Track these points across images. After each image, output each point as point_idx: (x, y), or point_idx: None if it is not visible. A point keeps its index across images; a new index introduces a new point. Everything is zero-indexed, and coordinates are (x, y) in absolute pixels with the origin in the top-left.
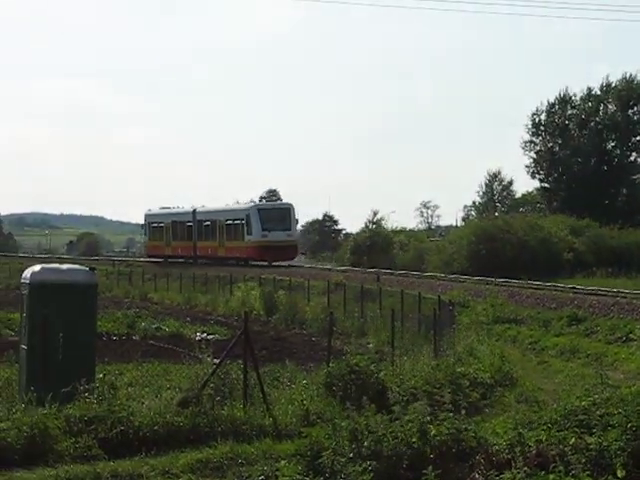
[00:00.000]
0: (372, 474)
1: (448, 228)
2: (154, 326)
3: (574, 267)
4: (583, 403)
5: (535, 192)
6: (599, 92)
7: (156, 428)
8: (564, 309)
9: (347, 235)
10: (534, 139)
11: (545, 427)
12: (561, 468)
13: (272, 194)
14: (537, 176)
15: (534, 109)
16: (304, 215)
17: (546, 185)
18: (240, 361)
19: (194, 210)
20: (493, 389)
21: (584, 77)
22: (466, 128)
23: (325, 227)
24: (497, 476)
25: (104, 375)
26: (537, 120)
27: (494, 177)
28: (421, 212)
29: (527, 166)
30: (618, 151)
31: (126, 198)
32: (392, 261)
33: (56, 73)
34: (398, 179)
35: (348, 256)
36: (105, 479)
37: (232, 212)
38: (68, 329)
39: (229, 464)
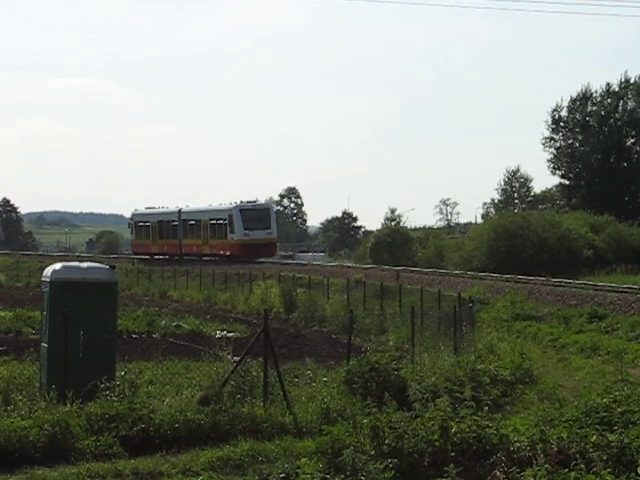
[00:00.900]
0: (393, 472)
1: (467, 225)
2: (174, 324)
3: (594, 264)
4: (604, 400)
5: (554, 189)
6: (617, 89)
7: (177, 426)
8: (584, 306)
9: (366, 233)
10: (554, 135)
11: (566, 424)
12: (582, 466)
13: (291, 192)
14: (557, 172)
15: (554, 105)
16: (323, 213)
17: (566, 182)
18: (260, 359)
19: (179, 210)
20: (513, 386)
21: (605, 73)
22: (485, 125)
23: (344, 225)
24: (518, 473)
25: (125, 373)
26: (557, 116)
27: (513, 174)
28: (440, 209)
29: (549, 160)
30: (638, 147)
31: (145, 196)
32: (412, 258)
33: (74, 71)
34: (417, 176)
35: (367, 254)
36: (126, 477)
37: (216, 212)
38: (89, 327)
39: (250, 462)
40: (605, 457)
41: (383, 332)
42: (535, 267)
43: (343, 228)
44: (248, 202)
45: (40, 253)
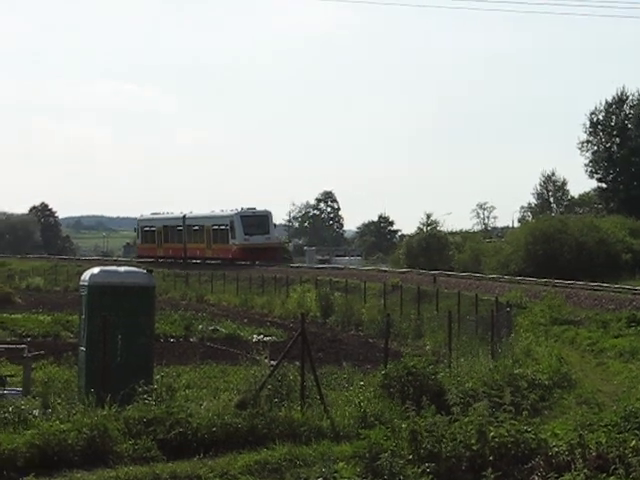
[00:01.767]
0: (431, 476)
1: (504, 229)
2: (211, 328)
3: (632, 268)
4: None
5: (592, 193)
6: None
7: (214, 429)
8: (623, 310)
9: (402, 237)
10: (591, 139)
11: (605, 429)
12: (621, 471)
13: (328, 196)
14: (595, 176)
15: (591, 109)
16: (360, 217)
17: (603, 185)
18: (297, 363)
19: (184, 216)
20: (551, 391)
21: None
22: (522, 128)
23: (381, 229)
24: (557, 478)
25: (163, 377)
26: (594, 120)
27: (548, 178)
28: (477, 213)
29: (586, 165)
30: None
31: (181, 200)
32: (449, 263)
33: (110, 76)
34: (454, 180)
35: (404, 258)
36: None
37: (218, 218)
38: (127, 331)
39: (287, 466)
40: None
41: (420, 336)
42: (573, 271)
43: (379, 232)
44: (248, 209)
45: (78, 257)
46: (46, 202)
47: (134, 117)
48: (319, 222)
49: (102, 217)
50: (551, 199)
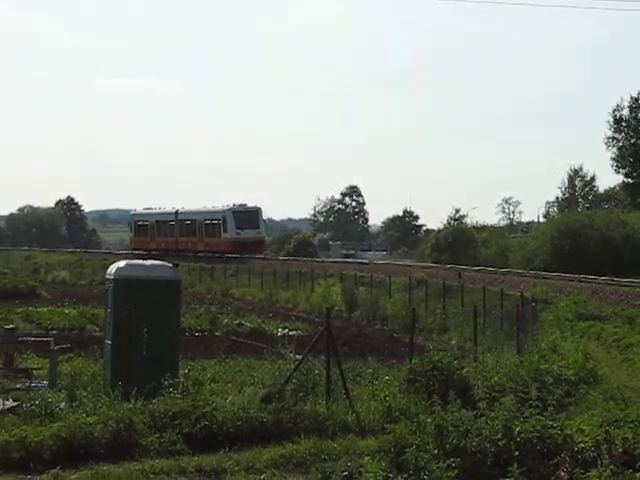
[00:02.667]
0: (456, 471)
1: (530, 224)
2: (236, 322)
3: None
4: None
5: (618, 188)
6: None
7: (239, 423)
8: None
9: (427, 231)
10: (616, 135)
11: (632, 425)
12: None
13: (353, 190)
14: (621, 171)
15: (615, 105)
16: (384, 212)
17: (630, 180)
18: (322, 357)
19: (177, 211)
20: (577, 386)
21: None
22: (548, 124)
23: (405, 223)
24: (583, 474)
25: (188, 370)
26: (619, 116)
27: (576, 173)
28: (503, 208)
29: (612, 159)
30: None
31: (206, 195)
32: (474, 258)
33: (136, 71)
34: (479, 175)
35: (429, 252)
36: (190, 474)
37: (210, 213)
38: (152, 324)
39: (312, 460)
40: None
41: (445, 331)
42: (599, 266)
43: (404, 227)
44: (240, 205)
45: (103, 251)
46: (72, 196)
47: (161, 111)
48: (344, 216)
49: (128, 211)
50: (578, 193)
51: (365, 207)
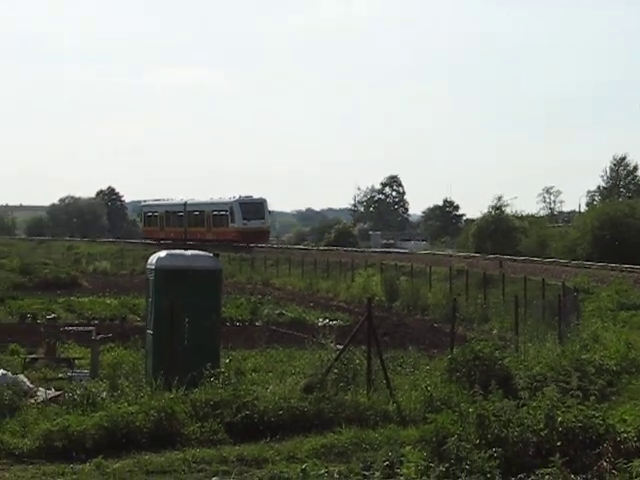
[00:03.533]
0: (498, 461)
1: (571, 214)
2: (277, 312)
3: None
4: None
5: None
6: None
7: (281, 413)
8: None
9: (468, 221)
10: None
11: None
12: None
13: (393, 180)
14: None
15: None
16: (425, 201)
17: None
18: (363, 347)
19: (185, 202)
20: (619, 376)
21: None
22: (591, 112)
23: (446, 213)
24: (625, 464)
25: (230, 360)
26: None
27: (620, 162)
28: (544, 198)
29: None
30: None
31: (248, 185)
32: (515, 247)
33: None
34: (520, 164)
35: (469, 242)
36: (231, 463)
37: (218, 204)
38: (193, 314)
39: (353, 449)
40: None
41: (486, 321)
42: None
43: (444, 216)
44: (246, 197)
45: (143, 241)
46: (113, 186)
47: (203, 102)
48: (384, 206)
49: None
50: (621, 183)
51: (405, 197)
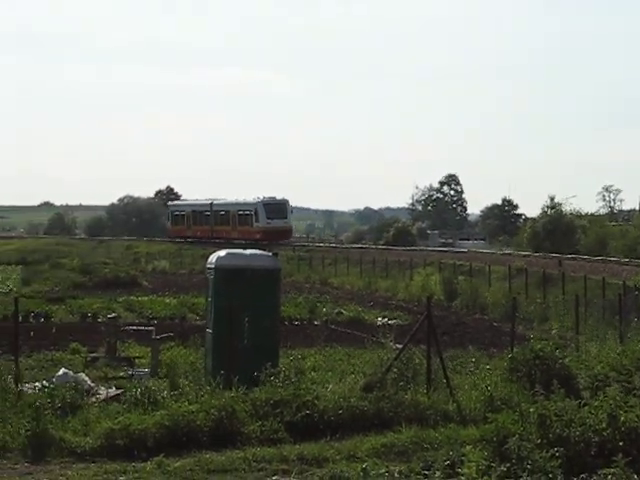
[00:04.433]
0: (559, 460)
1: (631, 212)
2: (335, 311)
3: None
4: None
5: None
6: None
7: (340, 412)
8: None
9: (526, 220)
10: None
11: None
12: None
13: (451, 179)
14: None
15: None
16: (483, 200)
17: None
18: (422, 346)
19: (211, 203)
20: None
21: None
22: None
23: (504, 212)
24: None
25: (291, 359)
26: None
27: None
28: (603, 196)
29: None
30: None
31: (306, 185)
32: (574, 246)
33: (238, 62)
34: (580, 163)
35: (528, 241)
36: (292, 462)
37: (243, 205)
38: (253, 313)
39: (414, 449)
40: None
41: (545, 320)
42: None
43: (503, 216)
44: (270, 198)
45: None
46: (171, 186)
47: (258, 102)
48: (442, 205)
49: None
50: None
51: (463, 196)
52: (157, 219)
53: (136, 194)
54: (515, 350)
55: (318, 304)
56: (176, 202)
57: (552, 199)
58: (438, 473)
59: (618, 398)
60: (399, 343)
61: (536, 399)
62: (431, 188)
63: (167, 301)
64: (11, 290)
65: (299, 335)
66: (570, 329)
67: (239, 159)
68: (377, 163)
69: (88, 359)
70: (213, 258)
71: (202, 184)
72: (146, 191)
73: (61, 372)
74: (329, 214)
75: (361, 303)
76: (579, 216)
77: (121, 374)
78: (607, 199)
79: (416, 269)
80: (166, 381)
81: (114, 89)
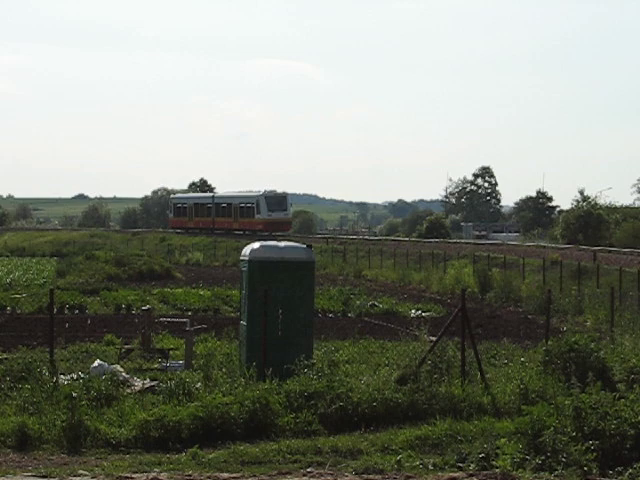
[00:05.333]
0: (595, 454)
1: None
2: (369, 303)
3: None
4: None
5: None
6: None
7: (375, 404)
8: None
9: (561, 212)
10: None
11: None
12: None
13: (485, 171)
14: None
15: None
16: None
17: None
18: (456, 338)
19: (213, 195)
20: None
21: None
22: None
23: (538, 204)
24: None
25: (325, 352)
26: None
27: None
28: (638, 188)
29: None
30: None
31: (339, 176)
32: (608, 239)
33: (275, 53)
34: (615, 155)
35: (562, 233)
36: (325, 454)
37: (245, 197)
38: (287, 305)
39: (448, 441)
40: None
41: (580, 313)
42: None
43: (537, 208)
44: (270, 191)
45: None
46: (205, 178)
47: (292, 94)
48: (476, 198)
49: None
50: None
51: (497, 188)
52: None
53: (170, 187)
54: (549, 343)
55: (352, 296)
56: (178, 195)
57: (582, 192)
58: (472, 465)
59: None
60: (433, 335)
61: (571, 392)
62: (465, 180)
63: (201, 293)
64: (46, 282)
65: (333, 327)
66: (605, 322)
67: (273, 153)
68: (411, 156)
69: (122, 351)
70: (247, 250)
71: (238, 177)
72: (180, 183)
73: (96, 364)
74: (363, 206)
75: (395, 295)
76: (613, 209)
77: (155, 366)
78: None
79: (450, 261)
80: (200, 373)
81: (149, 82)
